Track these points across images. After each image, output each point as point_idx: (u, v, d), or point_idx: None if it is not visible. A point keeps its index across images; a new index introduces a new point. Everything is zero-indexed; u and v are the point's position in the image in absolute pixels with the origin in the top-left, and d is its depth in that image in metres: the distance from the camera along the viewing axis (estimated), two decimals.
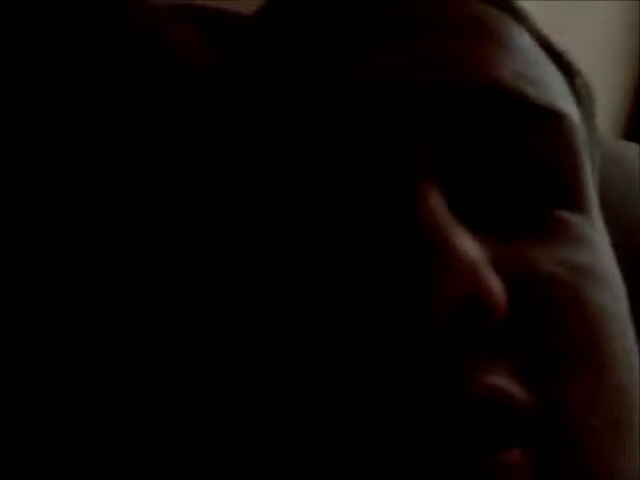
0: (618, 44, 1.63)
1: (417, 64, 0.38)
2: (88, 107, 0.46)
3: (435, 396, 0.34)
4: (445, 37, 0.39)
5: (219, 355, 0.41)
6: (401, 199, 0.36)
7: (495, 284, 0.35)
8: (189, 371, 0.43)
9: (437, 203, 0.35)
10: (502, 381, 0.34)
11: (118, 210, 0.46)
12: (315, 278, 0.37)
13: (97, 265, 0.45)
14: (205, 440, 0.42)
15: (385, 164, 0.37)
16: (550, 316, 0.36)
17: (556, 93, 0.41)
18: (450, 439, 0.33)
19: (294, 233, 0.38)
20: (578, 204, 0.40)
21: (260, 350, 0.38)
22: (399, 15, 0.39)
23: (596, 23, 1.53)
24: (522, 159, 0.38)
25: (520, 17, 0.43)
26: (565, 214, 0.39)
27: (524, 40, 0.41)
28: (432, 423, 0.34)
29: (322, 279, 0.37)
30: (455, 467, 0.33)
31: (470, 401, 0.34)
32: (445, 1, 0.41)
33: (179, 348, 0.44)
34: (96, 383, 0.44)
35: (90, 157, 0.46)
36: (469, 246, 0.34)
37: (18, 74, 0.46)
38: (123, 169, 0.46)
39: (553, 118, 0.39)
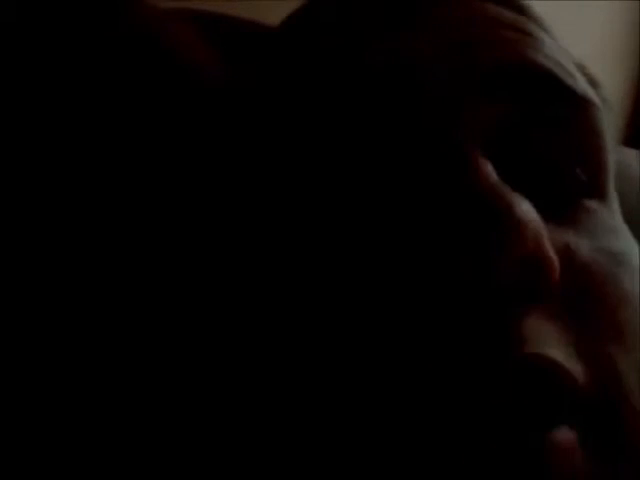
0: (618, 45, 1.63)
1: (463, 45, 0.39)
2: (89, 108, 0.46)
3: (496, 358, 0.34)
4: (485, 28, 0.40)
5: (219, 355, 0.41)
6: (458, 165, 0.37)
7: (551, 249, 0.35)
8: (189, 371, 0.43)
9: (492, 170, 0.36)
10: (561, 355, 0.34)
11: (119, 210, 0.46)
12: (367, 248, 0.37)
13: (97, 265, 0.45)
14: (205, 440, 0.42)
15: (439, 132, 0.38)
16: (591, 302, 0.37)
17: (586, 85, 0.42)
18: (503, 409, 0.33)
19: (347, 201, 0.38)
20: (604, 194, 0.41)
21: (265, 348, 0.38)
22: (438, 15, 0.41)
23: (595, 23, 1.53)
24: (557, 142, 0.39)
25: (547, 29, 0.45)
26: (594, 204, 0.40)
27: (554, 43, 0.43)
28: (488, 385, 0.34)
29: (375, 247, 0.37)
30: (505, 442, 0.33)
31: (529, 370, 0.34)
32: (481, 7, 0.42)
33: (179, 348, 0.44)
34: (96, 383, 0.44)
35: (91, 158, 0.46)
36: (529, 208, 0.35)
37: (18, 76, 0.46)
38: (124, 170, 0.46)
39: (586, 104, 0.40)
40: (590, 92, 0.42)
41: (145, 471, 0.43)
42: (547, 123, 0.39)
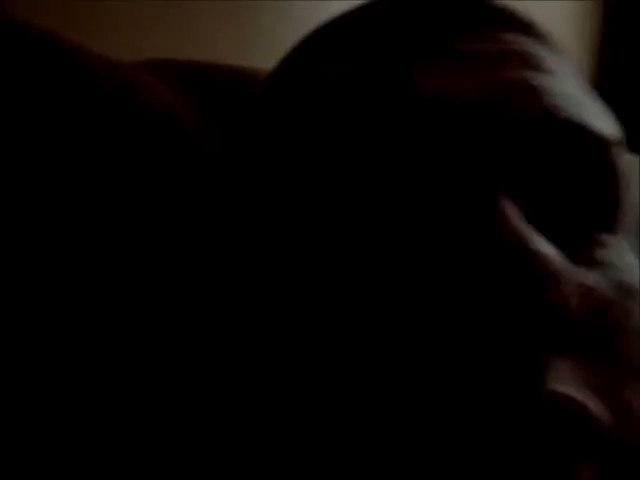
0: (569, 40, 1.65)
1: (487, 91, 0.41)
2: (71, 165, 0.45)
3: (519, 396, 0.35)
4: (506, 68, 0.42)
5: (219, 355, 0.42)
6: (484, 212, 0.38)
7: (574, 295, 0.37)
8: (189, 371, 0.44)
9: (518, 216, 0.38)
10: (584, 395, 0.36)
11: (119, 214, 0.46)
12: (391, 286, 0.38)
13: (98, 266, 0.45)
14: (205, 440, 0.43)
15: (471, 177, 0.39)
16: (611, 339, 0.38)
17: (602, 119, 0.44)
18: (530, 446, 0.34)
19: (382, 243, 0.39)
20: (618, 226, 0.42)
21: (265, 348, 0.39)
22: (470, 48, 0.43)
23: (547, 20, 1.54)
24: (575, 179, 0.41)
25: (563, 56, 0.47)
26: (610, 238, 0.42)
27: (573, 74, 0.46)
28: (510, 420, 0.35)
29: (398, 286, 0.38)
30: (526, 470, 0.34)
31: (558, 409, 0.35)
32: (501, 37, 0.44)
33: (179, 348, 0.44)
34: (96, 383, 0.44)
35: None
36: (553, 253, 0.37)
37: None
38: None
39: (604, 143, 0.42)
40: (607, 129, 0.43)
41: (145, 471, 0.44)
42: (567, 163, 0.41)
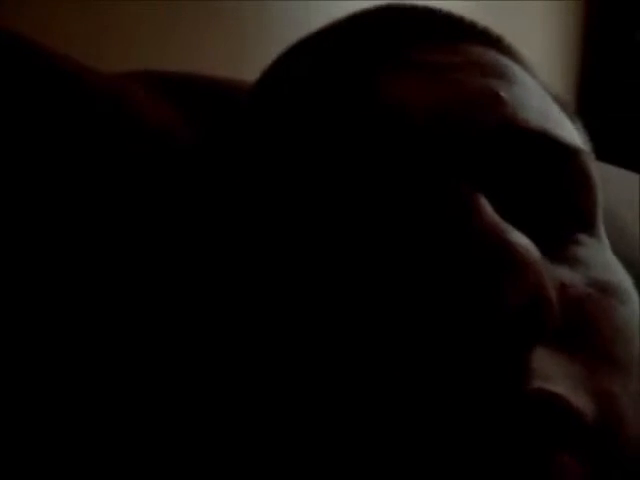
0: (558, 49, 1.65)
1: (451, 98, 0.41)
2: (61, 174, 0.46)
3: (500, 393, 0.35)
4: (474, 76, 0.43)
5: (219, 356, 0.42)
6: (460, 206, 0.38)
7: (551, 288, 0.37)
8: (189, 371, 0.44)
9: (492, 210, 0.38)
10: (565, 389, 0.36)
11: (118, 215, 0.46)
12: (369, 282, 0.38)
13: (98, 267, 0.45)
14: (205, 440, 0.42)
15: (443, 176, 0.39)
16: (587, 333, 0.38)
17: (570, 131, 0.45)
18: (508, 435, 0.35)
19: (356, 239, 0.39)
20: (594, 229, 0.43)
21: (264, 349, 0.39)
22: (432, 59, 0.43)
23: (536, 27, 1.55)
24: (549, 191, 0.41)
25: (527, 66, 0.47)
26: (585, 238, 0.42)
27: (536, 85, 0.46)
28: (493, 417, 0.35)
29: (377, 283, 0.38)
30: (509, 463, 0.34)
31: (534, 403, 0.35)
32: (466, 49, 0.45)
33: (179, 348, 0.44)
34: (96, 383, 0.44)
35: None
36: (531, 247, 0.37)
37: None
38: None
39: (574, 154, 0.42)
40: (576, 138, 0.44)
41: (145, 471, 0.44)
42: (539, 170, 0.41)
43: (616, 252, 0.45)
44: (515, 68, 0.45)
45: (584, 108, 1.64)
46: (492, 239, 0.36)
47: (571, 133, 0.45)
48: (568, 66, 1.71)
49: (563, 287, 0.39)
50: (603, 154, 0.54)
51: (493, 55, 0.45)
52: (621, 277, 0.42)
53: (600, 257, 0.42)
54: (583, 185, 0.42)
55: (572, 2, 1.67)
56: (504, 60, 0.45)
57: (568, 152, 0.42)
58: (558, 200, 0.41)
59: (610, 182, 0.60)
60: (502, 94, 0.42)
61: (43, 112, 0.46)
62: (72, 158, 0.46)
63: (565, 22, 1.66)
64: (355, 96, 0.42)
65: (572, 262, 0.40)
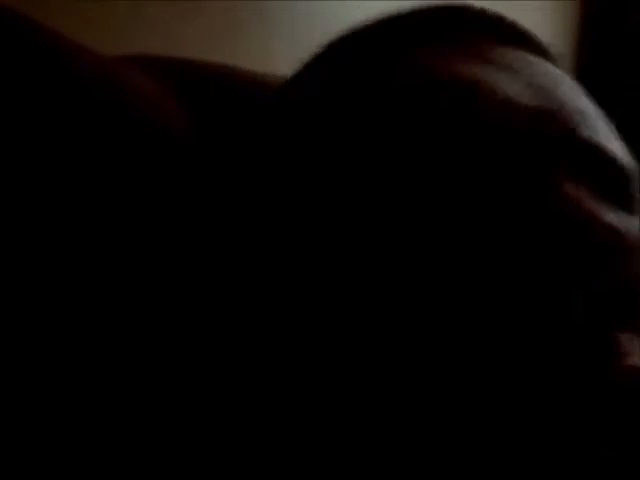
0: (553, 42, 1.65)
1: (543, 105, 0.42)
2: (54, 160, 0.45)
3: (598, 369, 0.36)
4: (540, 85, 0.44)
5: (219, 356, 0.42)
6: (550, 193, 0.39)
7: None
8: (189, 371, 0.44)
9: (586, 193, 0.39)
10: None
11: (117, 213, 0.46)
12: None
13: (98, 267, 0.45)
14: (205, 440, 0.43)
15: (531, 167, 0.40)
16: None
17: (617, 142, 0.46)
18: (597, 416, 0.35)
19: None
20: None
21: (264, 348, 0.39)
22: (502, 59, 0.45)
23: (529, 25, 1.55)
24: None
25: (559, 65, 0.49)
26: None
27: (576, 86, 0.47)
28: (589, 394, 0.35)
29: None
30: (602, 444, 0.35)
31: (621, 381, 0.36)
32: (525, 57, 0.46)
33: (179, 348, 0.44)
34: (96, 383, 0.44)
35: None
36: (625, 228, 0.38)
37: None
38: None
39: (619, 169, 0.43)
40: (622, 152, 0.45)
41: (145, 471, 0.44)
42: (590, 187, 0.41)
43: None
44: (557, 72, 0.47)
45: None
46: (590, 221, 0.37)
47: (615, 139, 0.46)
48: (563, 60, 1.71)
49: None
50: None
51: (547, 64, 0.46)
52: None
53: None
54: (628, 196, 0.43)
55: (568, 2, 1.67)
56: (548, 65, 0.47)
57: (614, 166, 0.43)
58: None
59: None
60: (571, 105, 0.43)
61: (34, 91, 0.45)
62: (64, 139, 0.45)
63: (562, 18, 1.66)
64: (438, 89, 0.42)
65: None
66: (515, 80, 0.43)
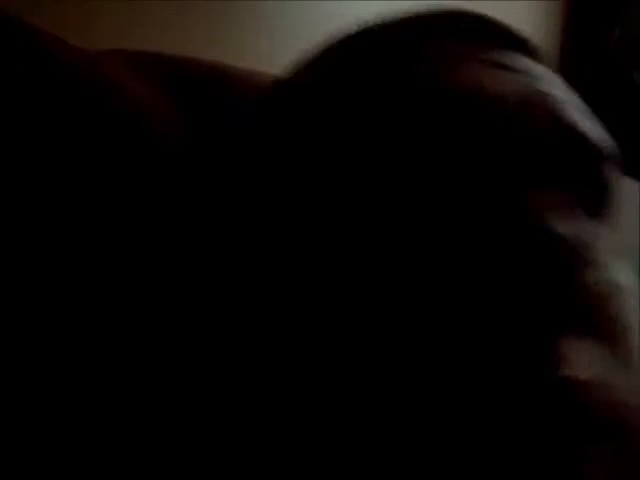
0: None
1: (521, 95, 0.43)
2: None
3: (536, 377, 0.36)
4: (530, 80, 0.44)
5: (219, 356, 0.42)
6: (515, 203, 0.39)
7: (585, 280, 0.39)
8: (189, 371, 0.44)
9: (548, 204, 0.39)
10: (589, 377, 0.37)
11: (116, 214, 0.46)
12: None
13: (98, 267, 0.45)
14: (205, 440, 0.42)
15: (501, 174, 0.40)
16: (609, 326, 0.39)
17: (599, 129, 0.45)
18: (532, 426, 0.35)
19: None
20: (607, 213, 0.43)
21: (264, 348, 0.39)
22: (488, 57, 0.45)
23: (515, 23, 1.55)
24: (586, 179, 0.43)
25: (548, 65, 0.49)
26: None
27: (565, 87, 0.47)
28: (526, 399, 0.36)
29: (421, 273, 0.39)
30: (537, 457, 0.35)
31: (565, 390, 0.36)
32: (517, 57, 0.46)
33: (179, 348, 0.44)
34: (96, 383, 0.44)
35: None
36: (572, 239, 0.38)
37: None
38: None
39: (607, 156, 0.44)
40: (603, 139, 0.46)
41: (145, 471, 0.44)
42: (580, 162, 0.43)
43: None
44: (549, 73, 0.47)
45: None
46: (547, 232, 0.38)
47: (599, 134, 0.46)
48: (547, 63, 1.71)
49: (594, 279, 0.40)
50: None
51: (539, 66, 0.47)
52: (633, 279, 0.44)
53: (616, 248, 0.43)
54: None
55: (552, 2, 1.67)
56: (540, 67, 0.47)
57: (602, 153, 0.43)
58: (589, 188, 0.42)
59: None
60: (557, 94, 0.43)
61: (18, 83, 0.45)
62: (48, 133, 0.45)
63: (544, 19, 1.66)
64: (419, 83, 0.43)
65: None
66: (511, 80, 0.44)
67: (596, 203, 0.42)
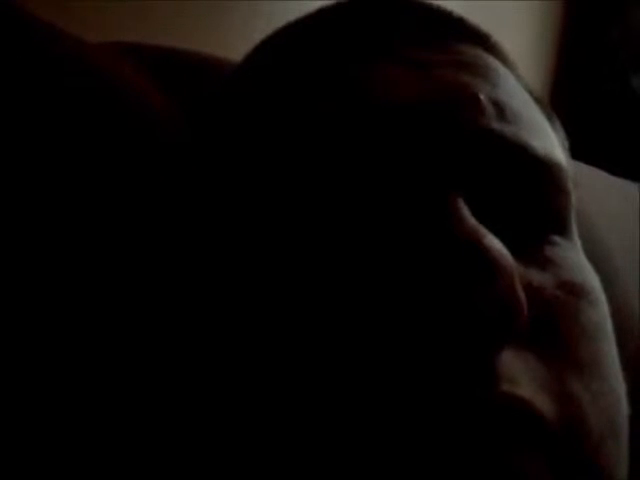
0: (534, 48, 1.66)
1: (435, 96, 0.42)
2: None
3: (467, 395, 0.35)
4: (459, 75, 0.43)
5: (219, 356, 0.42)
6: (439, 209, 0.38)
7: (521, 290, 0.37)
8: (189, 371, 0.44)
9: (469, 213, 0.38)
10: (530, 392, 0.36)
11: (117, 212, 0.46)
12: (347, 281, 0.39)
13: (98, 266, 0.45)
14: (205, 440, 0.42)
15: (421, 177, 0.40)
16: (555, 338, 0.39)
17: (547, 135, 0.45)
18: (472, 437, 0.35)
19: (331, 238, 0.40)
20: (566, 230, 0.44)
21: (263, 349, 0.39)
22: (418, 55, 0.44)
23: (511, 25, 1.55)
24: (523, 195, 0.42)
25: (511, 66, 0.48)
26: (558, 239, 0.43)
27: (519, 86, 0.46)
28: (459, 418, 0.35)
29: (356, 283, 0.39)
30: (473, 465, 0.35)
31: (499, 407, 0.36)
32: (458, 48, 0.45)
33: (179, 348, 0.44)
34: (96, 383, 0.44)
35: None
36: (503, 250, 0.37)
37: None
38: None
39: (551, 168, 0.43)
40: (554, 142, 0.45)
41: (145, 471, 0.44)
42: (514, 177, 0.42)
43: (585, 251, 0.45)
44: (500, 69, 0.46)
45: (558, 106, 1.65)
46: (468, 243, 0.37)
47: (547, 138, 0.45)
48: (544, 65, 1.71)
49: (532, 289, 0.39)
50: (576, 152, 0.54)
51: (480, 54, 0.46)
52: (591, 278, 0.43)
53: (571, 258, 0.43)
54: (556, 191, 0.43)
55: (550, 2, 1.68)
56: (490, 60, 0.46)
57: (541, 164, 0.42)
58: (532, 203, 0.42)
59: (580, 180, 0.61)
60: (482, 97, 0.42)
61: (14, 75, 0.45)
62: (45, 126, 0.45)
63: (542, 21, 1.66)
64: (337, 86, 0.42)
65: (543, 263, 0.41)
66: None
67: (517, 206, 0.42)
